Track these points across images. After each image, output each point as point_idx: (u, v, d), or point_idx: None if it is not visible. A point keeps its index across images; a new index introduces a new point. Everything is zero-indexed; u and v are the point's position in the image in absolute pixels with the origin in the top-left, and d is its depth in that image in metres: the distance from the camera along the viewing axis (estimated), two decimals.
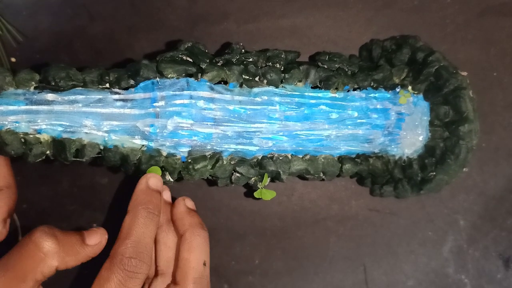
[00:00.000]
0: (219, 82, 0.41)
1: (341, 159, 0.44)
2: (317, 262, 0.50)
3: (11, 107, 0.38)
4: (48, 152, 0.40)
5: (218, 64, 0.41)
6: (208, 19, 0.48)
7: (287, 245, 0.50)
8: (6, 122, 0.38)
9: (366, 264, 0.50)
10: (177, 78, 0.40)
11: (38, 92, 0.39)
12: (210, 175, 0.41)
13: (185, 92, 0.40)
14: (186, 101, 0.40)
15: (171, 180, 0.41)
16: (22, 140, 0.39)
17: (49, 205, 0.49)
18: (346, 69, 0.44)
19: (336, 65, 0.44)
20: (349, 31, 0.48)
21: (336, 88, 0.43)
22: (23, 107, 0.38)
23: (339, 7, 0.48)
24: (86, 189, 0.49)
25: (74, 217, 0.49)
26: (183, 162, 0.40)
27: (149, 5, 0.47)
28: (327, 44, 0.48)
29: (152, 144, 0.40)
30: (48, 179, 0.49)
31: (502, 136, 0.49)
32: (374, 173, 0.46)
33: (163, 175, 0.41)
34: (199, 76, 0.40)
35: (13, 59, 0.47)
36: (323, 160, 0.44)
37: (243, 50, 0.42)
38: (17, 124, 0.38)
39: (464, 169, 0.45)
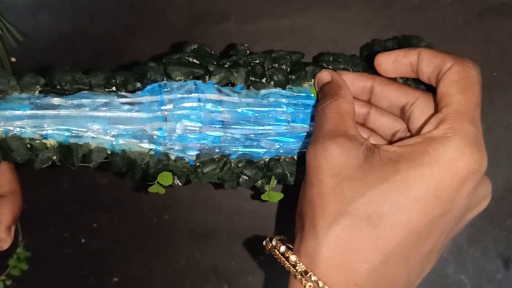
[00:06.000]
0: (225, 84, 0.40)
1: None
2: None
3: (16, 112, 0.37)
4: (54, 157, 0.39)
5: (225, 66, 0.40)
6: (208, 19, 0.47)
7: None
8: (12, 128, 0.37)
9: None
10: (185, 81, 0.39)
11: (43, 96, 0.38)
12: (218, 178, 0.41)
13: (193, 95, 0.39)
14: (194, 104, 0.39)
15: (179, 183, 0.40)
16: (28, 146, 0.37)
17: (49, 205, 0.49)
18: (351, 70, 0.44)
19: (341, 66, 0.43)
20: (349, 31, 0.48)
21: None
22: (29, 112, 0.37)
23: (339, 7, 0.48)
24: (86, 189, 0.49)
25: (74, 217, 0.49)
26: (191, 165, 0.40)
27: (149, 5, 0.47)
28: (327, 44, 0.48)
29: (160, 148, 0.39)
30: (48, 179, 0.49)
31: (502, 136, 0.49)
32: None
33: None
34: (207, 78, 0.39)
35: (13, 59, 0.47)
36: None
37: (247, 52, 0.42)
38: (22, 130, 0.37)
39: None
